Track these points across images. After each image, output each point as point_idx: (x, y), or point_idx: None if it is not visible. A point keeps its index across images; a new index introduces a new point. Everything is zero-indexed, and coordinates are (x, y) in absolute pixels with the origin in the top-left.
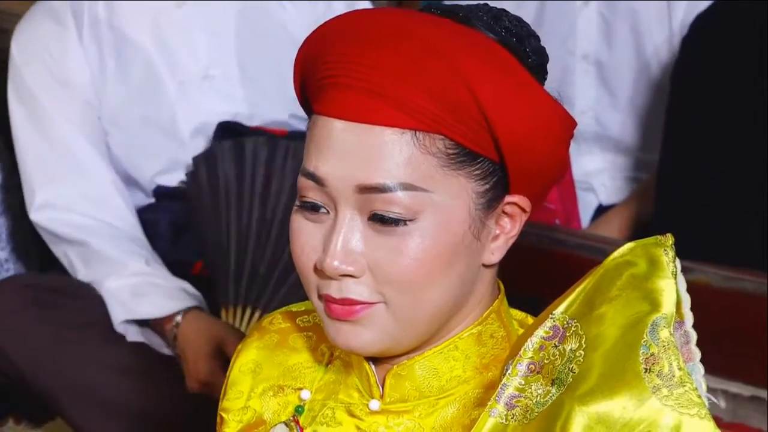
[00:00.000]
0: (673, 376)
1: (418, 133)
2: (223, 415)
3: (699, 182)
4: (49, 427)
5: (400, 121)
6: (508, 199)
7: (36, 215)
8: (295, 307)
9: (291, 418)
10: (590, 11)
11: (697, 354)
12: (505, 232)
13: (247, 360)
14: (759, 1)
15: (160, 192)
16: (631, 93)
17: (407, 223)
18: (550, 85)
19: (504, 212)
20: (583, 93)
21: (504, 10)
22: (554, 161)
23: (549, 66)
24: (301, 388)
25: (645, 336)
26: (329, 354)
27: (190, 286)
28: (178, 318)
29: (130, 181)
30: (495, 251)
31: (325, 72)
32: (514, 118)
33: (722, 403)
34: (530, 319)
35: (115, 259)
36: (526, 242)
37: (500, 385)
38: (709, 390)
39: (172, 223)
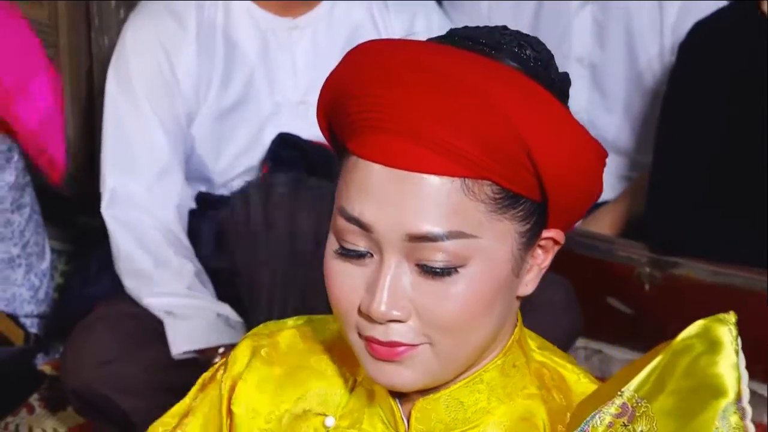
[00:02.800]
0: None
1: (466, 180)
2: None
3: (691, 182)
4: (62, 416)
5: (447, 169)
6: (546, 234)
7: (103, 209)
8: (309, 329)
9: None
10: (585, 14)
11: (752, 428)
12: (538, 263)
13: (263, 381)
14: (752, 14)
15: (203, 199)
16: (624, 95)
17: (458, 270)
18: None
19: (539, 245)
20: (576, 95)
21: (520, 33)
22: (590, 194)
23: None
24: (325, 414)
25: (717, 423)
26: (353, 380)
27: (231, 312)
28: (221, 350)
29: (196, 178)
30: (529, 283)
31: (362, 114)
32: (558, 158)
33: None
34: (547, 345)
35: (161, 273)
36: None
37: None
38: None
39: (215, 231)
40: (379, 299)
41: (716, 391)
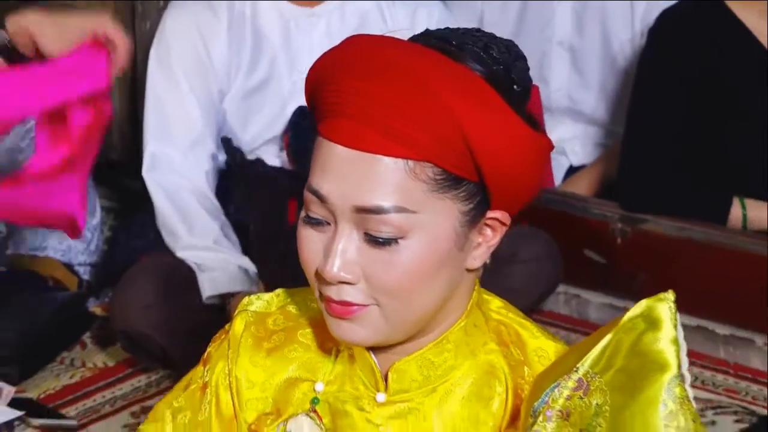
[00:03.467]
0: (689, 429)
1: (409, 161)
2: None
3: (657, 149)
4: (110, 352)
5: (393, 151)
6: (490, 214)
7: (144, 172)
8: (294, 305)
9: (310, 408)
10: (566, 5)
11: (691, 393)
12: (486, 241)
13: (256, 354)
14: (716, 6)
15: (232, 163)
16: (599, 74)
17: (398, 241)
18: (531, 69)
19: (486, 224)
20: (557, 74)
21: (494, 36)
22: (531, 182)
23: (530, 51)
24: (314, 380)
25: (663, 394)
26: (336, 349)
27: (251, 265)
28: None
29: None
30: (477, 258)
31: (329, 99)
32: (495, 148)
33: None
34: (509, 306)
35: (193, 228)
36: None
37: (533, 431)
38: None
39: (243, 193)
40: (331, 263)
41: (660, 366)
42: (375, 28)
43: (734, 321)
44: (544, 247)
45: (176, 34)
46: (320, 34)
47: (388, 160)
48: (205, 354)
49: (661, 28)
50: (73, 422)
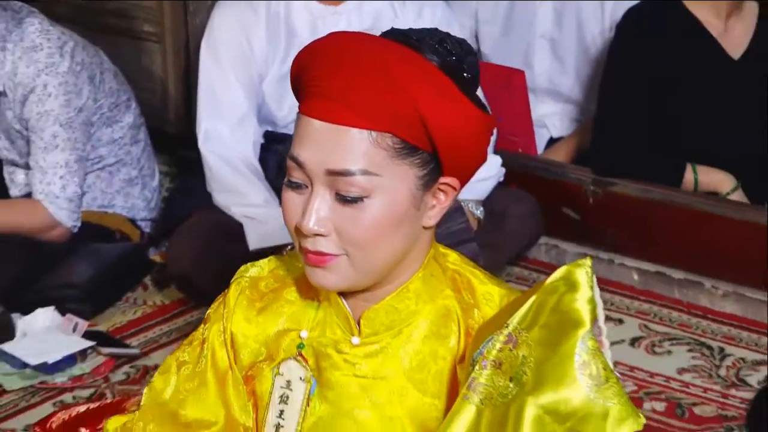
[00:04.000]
0: (600, 376)
1: (372, 132)
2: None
3: (623, 124)
4: (167, 292)
5: (359, 123)
6: (442, 180)
7: (200, 144)
8: (281, 269)
9: (297, 353)
10: (547, 4)
11: (607, 344)
12: (440, 203)
13: (249, 313)
14: (674, 5)
15: (269, 136)
16: (575, 61)
17: (364, 199)
18: (518, 58)
19: (439, 189)
20: (540, 61)
21: (448, 34)
22: (476, 152)
23: (517, 43)
24: (299, 329)
25: (577, 347)
26: (317, 301)
27: None
28: (288, 248)
29: (266, 122)
30: (432, 217)
31: (308, 82)
32: (445, 123)
33: (635, 277)
34: (465, 260)
35: (241, 189)
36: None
37: (471, 377)
38: (626, 268)
39: (277, 159)
40: (307, 218)
41: (576, 323)
42: (388, 24)
43: (687, 267)
44: (529, 205)
45: (223, 29)
46: (342, 29)
47: (355, 131)
48: (206, 315)
49: (626, 24)
50: (136, 351)
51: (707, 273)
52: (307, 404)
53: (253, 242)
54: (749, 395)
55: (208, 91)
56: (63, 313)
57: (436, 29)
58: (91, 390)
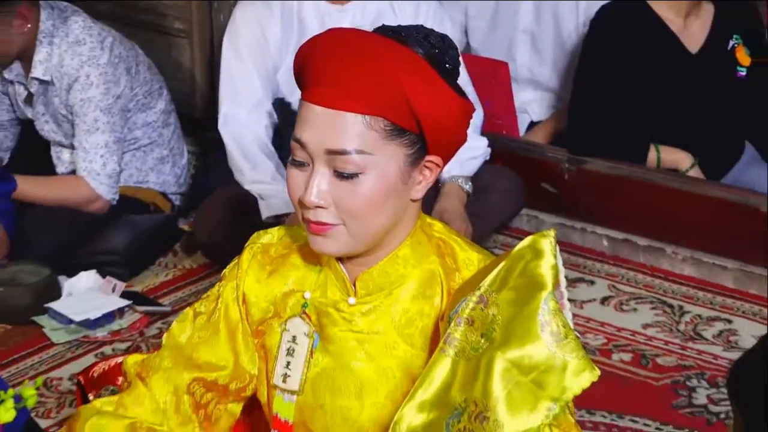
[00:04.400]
0: (560, 333)
1: (366, 116)
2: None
3: (595, 110)
4: (194, 257)
5: (355, 108)
6: (427, 158)
7: (220, 127)
8: (288, 237)
9: (302, 311)
10: (528, 3)
11: (568, 305)
12: (425, 179)
13: (260, 275)
14: (641, 5)
15: (285, 113)
16: (552, 54)
17: (359, 175)
18: (503, 51)
19: (425, 166)
20: (522, 53)
21: (432, 30)
22: (457, 134)
23: (501, 38)
24: (303, 290)
25: (540, 308)
26: (319, 266)
27: None
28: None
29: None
30: (419, 191)
31: (310, 72)
32: (430, 108)
33: (605, 243)
34: (450, 229)
35: (255, 167)
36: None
37: (447, 333)
38: (596, 235)
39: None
40: (309, 192)
41: (539, 286)
42: (388, 21)
43: (651, 235)
44: (512, 181)
45: (243, 25)
46: (347, 25)
47: (350, 115)
48: (222, 274)
49: (598, 21)
50: (167, 308)
51: (668, 240)
52: (311, 356)
53: (265, 212)
54: (705, 347)
55: (228, 79)
56: (103, 275)
57: (422, 26)
58: (128, 343)
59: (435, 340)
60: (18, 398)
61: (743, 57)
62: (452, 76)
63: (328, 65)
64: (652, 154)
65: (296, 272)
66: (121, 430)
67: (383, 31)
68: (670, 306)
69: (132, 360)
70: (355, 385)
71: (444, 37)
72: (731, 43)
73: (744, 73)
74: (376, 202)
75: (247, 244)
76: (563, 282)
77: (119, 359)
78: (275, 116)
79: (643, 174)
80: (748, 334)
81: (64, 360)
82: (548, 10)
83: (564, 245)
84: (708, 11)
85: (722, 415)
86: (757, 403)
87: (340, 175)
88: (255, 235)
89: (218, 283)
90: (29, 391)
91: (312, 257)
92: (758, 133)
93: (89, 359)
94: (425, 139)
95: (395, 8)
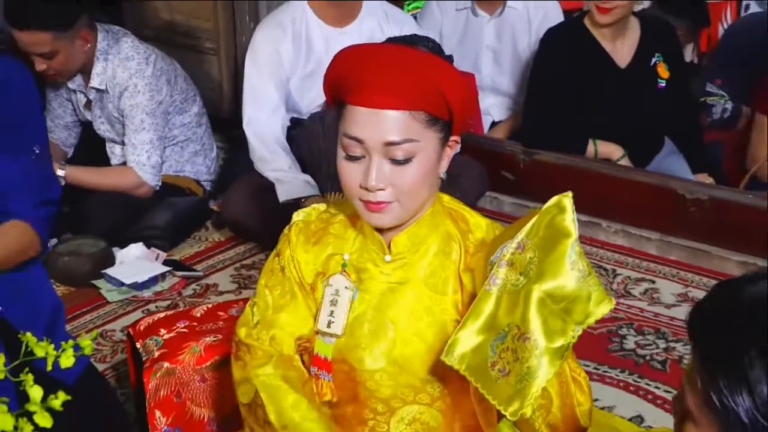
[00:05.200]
0: (585, 270)
1: (411, 111)
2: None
3: (543, 111)
4: (223, 232)
5: (401, 106)
6: (452, 138)
7: (244, 126)
8: (325, 214)
9: (342, 270)
10: (491, 25)
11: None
12: (447, 155)
13: (307, 246)
14: (580, 27)
15: (295, 121)
16: (510, 66)
17: (410, 160)
18: (470, 64)
19: (448, 146)
20: (485, 66)
21: (429, 38)
22: (471, 110)
23: (469, 52)
24: (342, 253)
25: (568, 251)
26: (356, 232)
27: (310, 179)
28: (303, 199)
29: (292, 111)
30: (443, 167)
31: (356, 81)
32: (458, 98)
33: None
34: (457, 201)
35: (274, 159)
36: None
37: (492, 274)
38: None
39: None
40: (372, 177)
41: (566, 234)
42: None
43: (589, 212)
44: (478, 169)
45: (261, 44)
46: (346, 44)
47: (399, 113)
48: (276, 251)
49: (546, 40)
50: (200, 273)
51: (603, 216)
52: (350, 305)
53: (282, 196)
54: (633, 303)
55: (250, 88)
56: (148, 246)
57: (416, 35)
58: (168, 301)
59: (452, 287)
60: (77, 347)
61: (663, 71)
62: (451, 63)
63: (373, 74)
64: (590, 147)
65: (335, 240)
66: (298, 381)
67: (395, 41)
68: (605, 269)
69: (244, 332)
70: (388, 326)
71: (436, 42)
72: (653, 59)
73: (663, 85)
74: (424, 179)
75: (291, 224)
76: (576, 232)
77: (161, 315)
78: (288, 119)
79: (583, 163)
80: (668, 292)
81: (117, 315)
82: (507, 31)
83: None
84: (635, 33)
85: (647, 357)
86: (710, 338)
87: (396, 162)
88: (294, 216)
89: (276, 258)
90: (85, 342)
91: (346, 229)
92: (674, 130)
93: (137, 315)
94: (453, 121)
95: (383, 28)
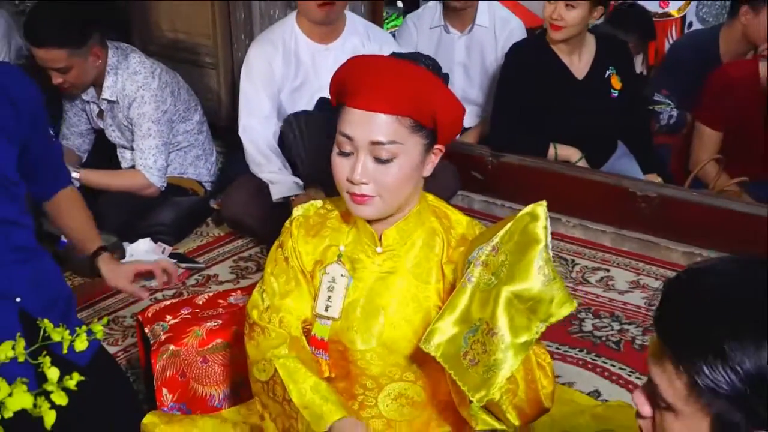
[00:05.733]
0: (550, 275)
1: (398, 116)
2: (292, 252)
3: (508, 118)
4: (222, 228)
5: (390, 111)
6: (436, 146)
7: (240, 133)
8: (321, 210)
9: (338, 259)
10: (461, 42)
11: (551, 255)
12: (432, 160)
13: (306, 238)
14: (543, 44)
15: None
16: (479, 79)
17: (393, 160)
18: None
19: (433, 152)
20: (458, 79)
21: (428, 56)
22: (456, 129)
23: (443, 67)
24: (338, 245)
25: (537, 257)
26: (351, 225)
27: (299, 180)
28: (292, 198)
29: (282, 118)
30: (428, 170)
31: (353, 85)
32: (445, 110)
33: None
34: (440, 200)
35: (267, 163)
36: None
37: (467, 272)
38: (512, 209)
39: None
40: (357, 172)
41: (536, 240)
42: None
43: (550, 208)
44: (450, 171)
45: (255, 60)
46: (331, 59)
47: (386, 116)
48: (278, 242)
49: (510, 54)
50: (202, 265)
51: (563, 212)
52: (346, 292)
53: (275, 195)
54: (590, 289)
55: (245, 99)
56: (155, 241)
57: (418, 53)
58: (173, 290)
59: (435, 277)
60: (90, 332)
61: (616, 82)
62: (446, 84)
63: (370, 80)
64: (551, 150)
65: (332, 233)
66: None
67: (400, 56)
68: (565, 260)
69: (256, 314)
70: (379, 311)
71: (433, 60)
72: (607, 72)
73: (616, 95)
74: (404, 179)
75: (290, 219)
76: (549, 239)
77: (167, 302)
78: (278, 127)
79: (545, 165)
80: (622, 279)
81: (127, 303)
82: (476, 47)
83: (489, 217)
84: (591, 48)
85: (603, 338)
86: (683, 332)
87: (379, 160)
88: (294, 211)
89: (278, 249)
90: (97, 327)
91: (342, 223)
92: (626, 135)
93: (145, 302)
94: (437, 131)
95: (366, 45)
